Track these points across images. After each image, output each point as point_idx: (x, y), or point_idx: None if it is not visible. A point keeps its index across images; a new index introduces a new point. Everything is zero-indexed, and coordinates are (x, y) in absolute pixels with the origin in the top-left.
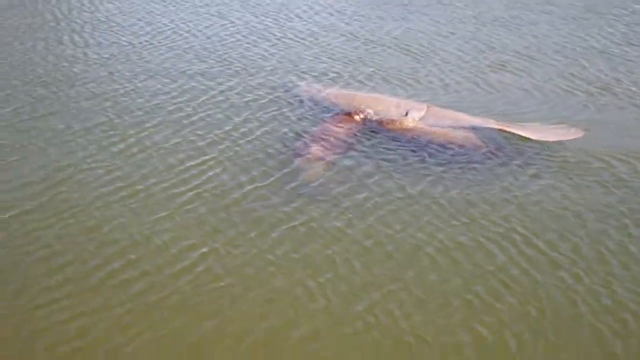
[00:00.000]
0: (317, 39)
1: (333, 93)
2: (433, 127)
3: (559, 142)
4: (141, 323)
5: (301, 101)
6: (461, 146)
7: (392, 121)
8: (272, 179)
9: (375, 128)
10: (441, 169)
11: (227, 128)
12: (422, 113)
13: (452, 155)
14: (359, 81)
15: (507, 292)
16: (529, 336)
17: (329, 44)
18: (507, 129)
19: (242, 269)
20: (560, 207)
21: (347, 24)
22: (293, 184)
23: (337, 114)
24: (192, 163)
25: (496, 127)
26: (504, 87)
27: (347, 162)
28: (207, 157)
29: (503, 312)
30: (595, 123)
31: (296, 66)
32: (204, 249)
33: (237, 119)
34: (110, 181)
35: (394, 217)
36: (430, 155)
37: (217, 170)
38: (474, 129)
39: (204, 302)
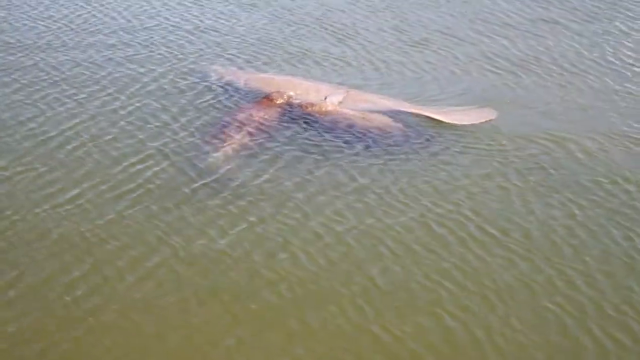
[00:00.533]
0: (237, 20)
1: (251, 77)
2: (352, 112)
3: (475, 124)
4: (109, 336)
5: (220, 86)
6: (380, 130)
7: (312, 105)
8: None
9: (295, 113)
10: (360, 156)
11: (164, 117)
12: (341, 97)
13: (372, 141)
14: (278, 64)
15: (466, 278)
16: (493, 320)
17: (247, 25)
18: (423, 113)
19: (204, 269)
20: (502, 191)
21: (266, 3)
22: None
23: (255, 98)
24: (134, 158)
25: (413, 110)
26: (422, 68)
27: (268, 149)
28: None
29: (465, 298)
30: (517, 102)
31: (214, 49)
32: (162, 249)
33: (172, 108)
34: (52, 181)
35: (314, 206)
36: (349, 141)
37: (163, 165)
38: (392, 112)
39: (170, 308)
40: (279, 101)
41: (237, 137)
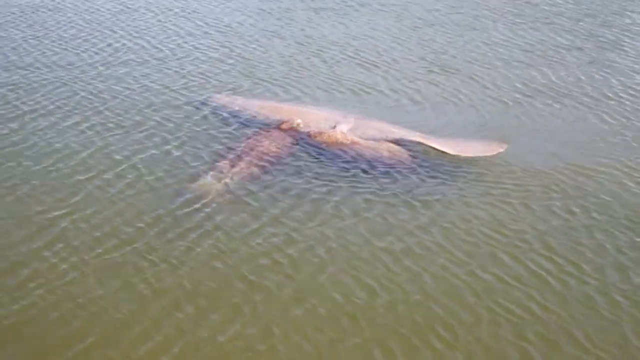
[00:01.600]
0: (264, 49)
1: (262, 104)
2: (361, 140)
3: (484, 157)
4: None
5: (222, 115)
6: (389, 160)
7: (320, 134)
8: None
9: (304, 141)
10: (371, 187)
11: (169, 144)
12: (350, 125)
13: (381, 172)
14: (293, 91)
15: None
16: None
17: (273, 53)
18: (430, 144)
19: (176, 295)
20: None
21: (291, 33)
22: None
23: (266, 125)
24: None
25: (423, 141)
26: (433, 97)
27: (278, 177)
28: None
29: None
30: (525, 132)
31: (214, 77)
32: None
33: (180, 134)
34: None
35: (319, 238)
36: (361, 170)
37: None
38: (400, 142)
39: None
40: (289, 129)
41: (244, 165)
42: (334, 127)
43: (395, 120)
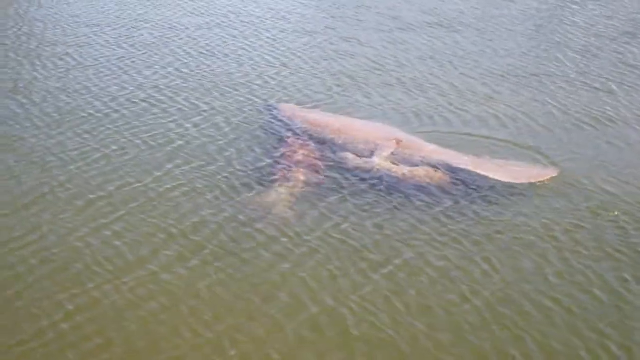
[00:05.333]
0: (316, 64)
1: (309, 118)
2: (401, 168)
3: (534, 183)
4: None
5: (279, 124)
6: (430, 187)
7: (359, 160)
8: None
9: (342, 166)
10: (406, 217)
11: (216, 153)
12: (391, 150)
13: (420, 201)
14: (343, 106)
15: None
16: None
17: (320, 66)
18: (478, 171)
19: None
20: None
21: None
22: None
23: (307, 140)
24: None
25: (469, 167)
26: (483, 118)
27: (311, 199)
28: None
29: None
30: (577, 159)
31: (277, 87)
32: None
33: (223, 143)
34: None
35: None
36: (396, 200)
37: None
38: (444, 167)
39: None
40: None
41: (301, 177)
42: (373, 154)
43: (446, 143)
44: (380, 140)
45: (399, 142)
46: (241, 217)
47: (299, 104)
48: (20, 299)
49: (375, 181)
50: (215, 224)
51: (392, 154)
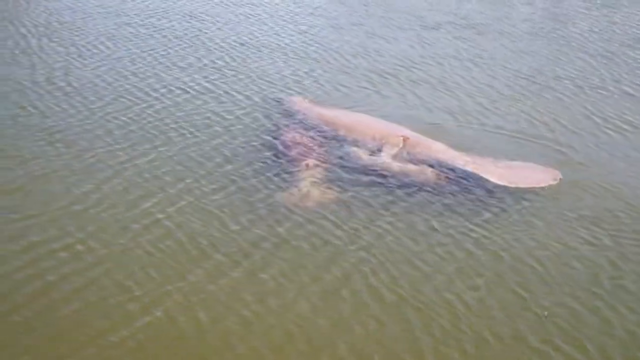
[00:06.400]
0: (320, 51)
1: (318, 112)
2: (405, 164)
3: (536, 189)
4: None
5: (291, 118)
6: (432, 185)
7: (365, 156)
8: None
9: (347, 162)
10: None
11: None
12: (397, 148)
13: (419, 201)
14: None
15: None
16: None
17: (339, 60)
18: (481, 173)
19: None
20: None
21: (364, 40)
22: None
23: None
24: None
25: (474, 169)
26: (504, 118)
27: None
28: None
29: None
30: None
31: (288, 79)
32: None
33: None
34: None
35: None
36: (397, 197)
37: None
38: (448, 165)
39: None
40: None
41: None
42: (379, 150)
43: (455, 142)
44: (388, 137)
45: (406, 139)
46: (276, 217)
47: (315, 98)
48: (72, 303)
49: (380, 178)
50: (257, 226)
51: (399, 151)
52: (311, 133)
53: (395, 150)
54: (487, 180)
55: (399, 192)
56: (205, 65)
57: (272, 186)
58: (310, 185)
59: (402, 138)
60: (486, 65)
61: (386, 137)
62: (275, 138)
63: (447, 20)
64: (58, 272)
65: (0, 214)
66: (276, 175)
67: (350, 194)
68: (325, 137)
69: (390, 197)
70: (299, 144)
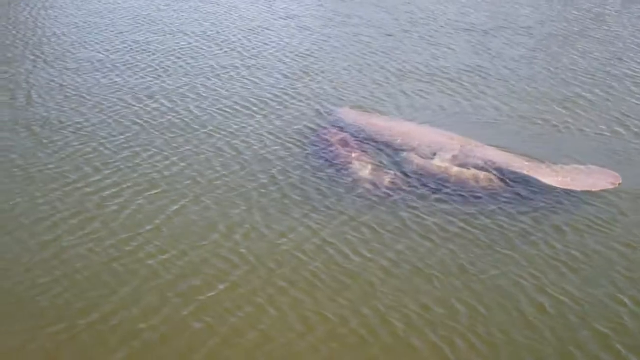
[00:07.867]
0: (376, 71)
1: (371, 122)
2: (462, 170)
3: (593, 192)
4: None
5: (340, 128)
6: (488, 191)
7: (420, 162)
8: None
9: (405, 169)
10: (460, 220)
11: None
12: (452, 154)
13: (475, 205)
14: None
15: None
16: None
17: (379, 71)
18: (538, 177)
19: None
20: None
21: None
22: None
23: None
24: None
25: (529, 173)
26: (547, 125)
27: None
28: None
29: None
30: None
31: (343, 91)
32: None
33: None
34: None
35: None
36: (453, 201)
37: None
38: (504, 172)
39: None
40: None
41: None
42: (434, 155)
43: (509, 146)
44: (442, 144)
45: (461, 145)
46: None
47: (360, 108)
48: (111, 302)
49: (437, 183)
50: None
51: (454, 156)
52: (365, 142)
53: (450, 155)
54: (544, 184)
55: (457, 198)
56: (261, 79)
57: (335, 193)
58: (371, 190)
59: (456, 143)
60: (546, 69)
61: (440, 143)
62: (328, 147)
63: (498, 25)
64: None
65: None
66: (337, 183)
67: (406, 200)
68: (379, 145)
69: (449, 205)
70: (355, 152)
